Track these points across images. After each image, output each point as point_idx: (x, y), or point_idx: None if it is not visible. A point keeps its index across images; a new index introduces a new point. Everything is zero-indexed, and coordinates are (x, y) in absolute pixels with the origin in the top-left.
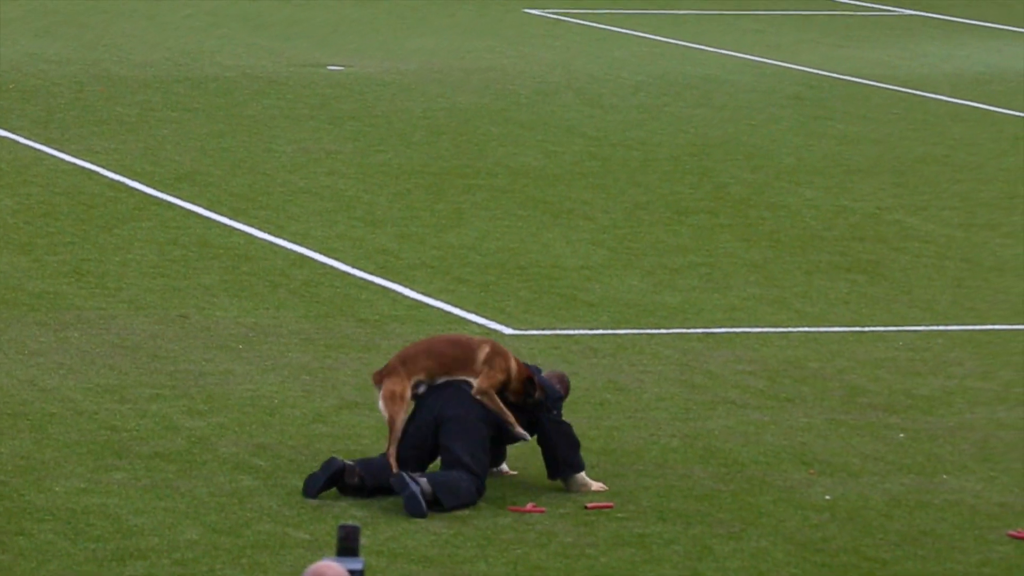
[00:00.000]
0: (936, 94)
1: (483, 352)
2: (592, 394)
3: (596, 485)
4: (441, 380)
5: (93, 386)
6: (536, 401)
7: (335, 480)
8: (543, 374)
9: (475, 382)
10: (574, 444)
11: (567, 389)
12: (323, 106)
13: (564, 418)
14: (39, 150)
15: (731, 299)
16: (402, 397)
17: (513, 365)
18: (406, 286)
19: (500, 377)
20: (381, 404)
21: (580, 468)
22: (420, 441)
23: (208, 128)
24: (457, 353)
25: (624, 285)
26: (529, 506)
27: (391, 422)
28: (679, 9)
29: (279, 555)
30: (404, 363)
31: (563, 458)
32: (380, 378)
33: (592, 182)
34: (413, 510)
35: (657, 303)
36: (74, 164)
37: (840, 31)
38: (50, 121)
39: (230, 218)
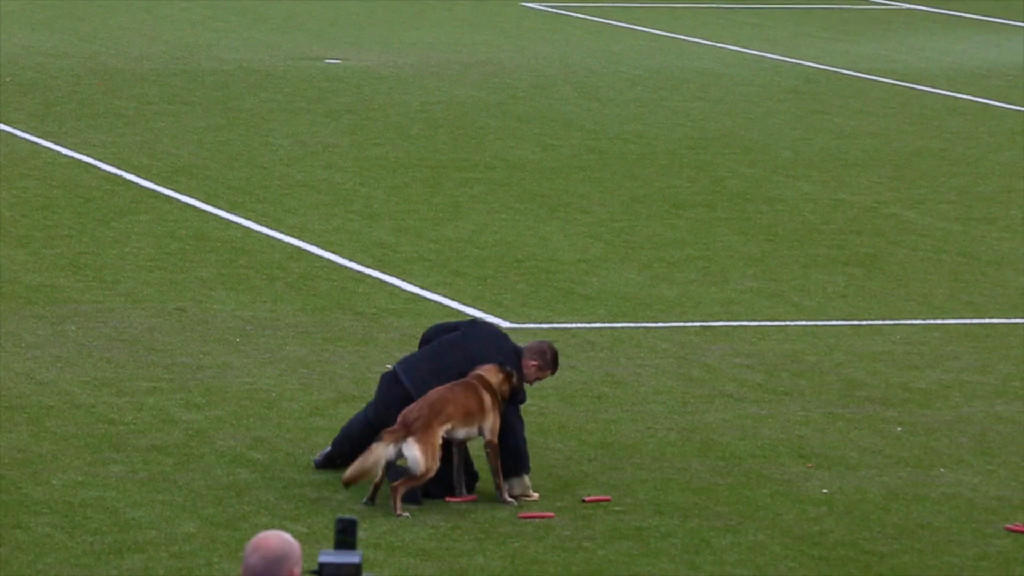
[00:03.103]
0: (934, 88)
1: (487, 398)
2: (589, 387)
3: (533, 495)
4: (461, 433)
5: (90, 379)
6: (518, 387)
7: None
8: (526, 347)
9: (487, 432)
10: (524, 443)
11: (555, 358)
12: (320, 99)
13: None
14: (36, 143)
15: (728, 292)
16: (438, 452)
17: (499, 382)
18: (403, 279)
19: (499, 420)
20: (420, 456)
21: (527, 470)
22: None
23: (205, 121)
24: (473, 403)
25: (621, 278)
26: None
27: (425, 475)
28: (677, 3)
29: None
30: (436, 413)
31: (517, 456)
32: (408, 428)
33: (589, 175)
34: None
35: (654, 296)
36: (71, 157)
37: (837, 25)
38: (47, 114)
39: (227, 211)
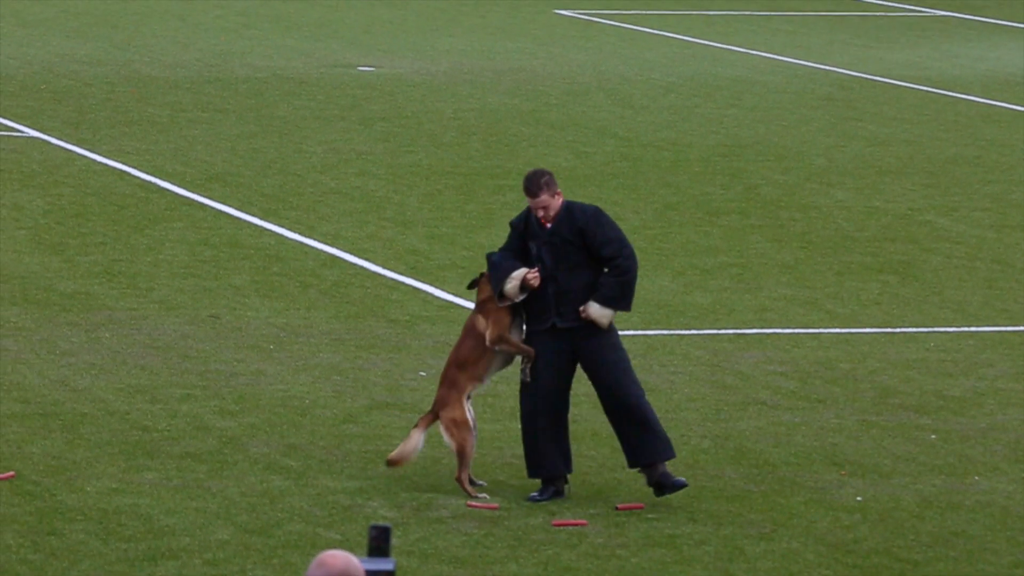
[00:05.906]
0: (968, 95)
1: (480, 323)
2: None
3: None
4: (487, 380)
5: (124, 386)
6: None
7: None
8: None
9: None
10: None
11: (525, 182)
12: (353, 107)
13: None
14: (70, 151)
15: (762, 300)
16: (464, 422)
17: (493, 304)
18: (436, 286)
19: (505, 319)
20: (446, 436)
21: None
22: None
23: (239, 129)
24: (475, 344)
25: (655, 285)
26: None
27: (461, 449)
28: (710, 10)
29: (310, 555)
30: (452, 386)
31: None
32: (435, 412)
33: (623, 183)
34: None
35: (688, 304)
36: (105, 165)
37: (871, 32)
38: (81, 122)
39: (261, 219)
